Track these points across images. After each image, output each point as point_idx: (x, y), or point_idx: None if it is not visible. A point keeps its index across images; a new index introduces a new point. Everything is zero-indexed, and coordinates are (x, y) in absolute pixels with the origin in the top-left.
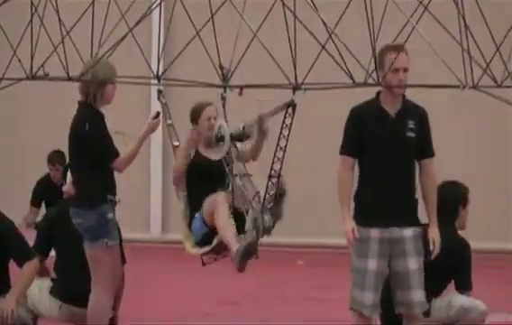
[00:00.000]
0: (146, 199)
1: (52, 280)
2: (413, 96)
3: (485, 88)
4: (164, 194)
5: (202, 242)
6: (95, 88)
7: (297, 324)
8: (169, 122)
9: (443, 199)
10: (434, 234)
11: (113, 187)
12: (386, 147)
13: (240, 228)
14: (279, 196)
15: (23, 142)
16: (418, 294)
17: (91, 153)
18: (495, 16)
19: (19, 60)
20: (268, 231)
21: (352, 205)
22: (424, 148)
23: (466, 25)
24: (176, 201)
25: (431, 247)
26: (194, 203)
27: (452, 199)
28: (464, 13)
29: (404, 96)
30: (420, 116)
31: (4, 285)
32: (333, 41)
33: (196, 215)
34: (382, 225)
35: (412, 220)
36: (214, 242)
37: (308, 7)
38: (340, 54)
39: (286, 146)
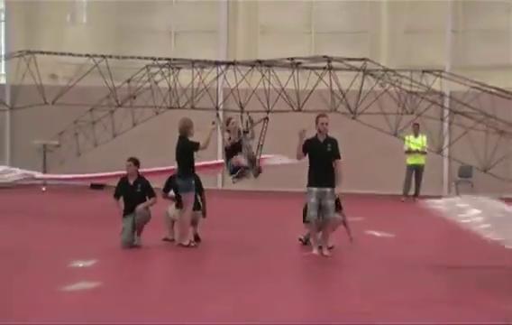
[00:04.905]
0: None
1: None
2: None
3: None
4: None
5: (232, 172)
6: (185, 129)
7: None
8: (220, 126)
9: None
10: (338, 189)
11: (194, 168)
12: (318, 154)
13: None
14: (258, 172)
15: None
16: (332, 214)
17: (188, 150)
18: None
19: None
20: (259, 171)
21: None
22: (335, 155)
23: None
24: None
25: (335, 193)
26: (228, 157)
27: None
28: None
29: (327, 134)
30: (333, 142)
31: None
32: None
33: (229, 162)
34: (318, 186)
35: (331, 185)
36: (238, 172)
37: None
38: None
39: (264, 136)
